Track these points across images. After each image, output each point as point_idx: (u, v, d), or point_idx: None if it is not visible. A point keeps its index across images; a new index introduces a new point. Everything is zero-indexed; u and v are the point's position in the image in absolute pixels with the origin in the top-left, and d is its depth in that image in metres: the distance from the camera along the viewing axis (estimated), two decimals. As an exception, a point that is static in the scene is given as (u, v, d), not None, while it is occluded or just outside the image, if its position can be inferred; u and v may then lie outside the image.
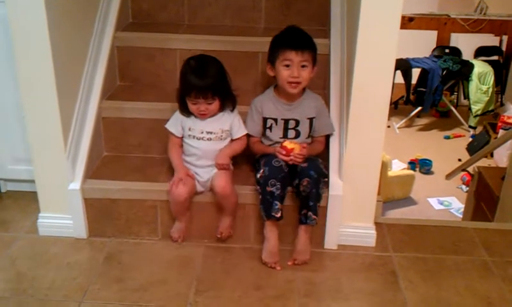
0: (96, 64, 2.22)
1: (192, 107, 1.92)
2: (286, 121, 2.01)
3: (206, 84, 1.86)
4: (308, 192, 1.87)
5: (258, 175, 1.90)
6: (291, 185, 1.96)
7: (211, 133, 1.95)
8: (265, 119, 2.02)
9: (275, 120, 2.02)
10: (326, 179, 1.96)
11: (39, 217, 2.10)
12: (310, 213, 1.89)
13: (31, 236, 2.10)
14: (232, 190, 1.95)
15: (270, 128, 2.03)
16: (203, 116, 1.93)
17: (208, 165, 1.97)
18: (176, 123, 1.98)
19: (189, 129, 1.96)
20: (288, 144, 1.91)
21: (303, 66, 1.92)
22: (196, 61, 1.92)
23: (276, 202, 1.86)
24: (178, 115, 1.98)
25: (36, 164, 2.02)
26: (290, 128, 2.02)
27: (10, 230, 2.14)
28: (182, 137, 2.00)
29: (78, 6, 2.08)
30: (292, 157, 1.89)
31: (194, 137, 1.96)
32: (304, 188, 1.87)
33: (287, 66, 1.92)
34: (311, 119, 2.02)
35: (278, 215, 1.87)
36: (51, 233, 2.08)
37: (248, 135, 2.02)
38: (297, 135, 2.02)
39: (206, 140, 1.96)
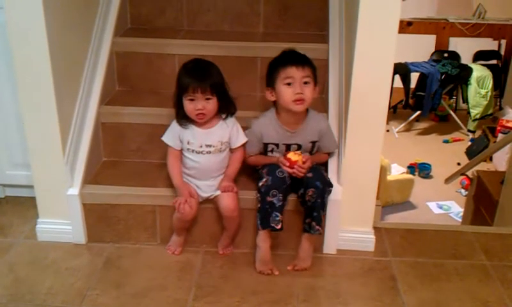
0: (95, 70, 2.22)
1: (189, 107, 1.85)
2: (288, 146, 1.98)
3: (204, 78, 1.82)
4: (313, 202, 1.85)
5: (260, 183, 1.87)
6: (296, 194, 1.94)
7: (210, 146, 1.91)
8: (265, 144, 1.99)
9: (276, 145, 1.98)
10: (331, 188, 1.93)
11: (38, 222, 2.10)
12: (313, 223, 1.87)
13: (30, 241, 2.10)
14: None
15: (271, 151, 2.00)
16: (200, 117, 1.86)
17: (209, 177, 1.95)
18: (174, 136, 1.93)
19: (188, 143, 1.91)
20: (292, 155, 1.90)
21: (305, 83, 1.87)
22: (193, 62, 1.89)
23: (277, 213, 1.84)
24: (175, 126, 1.93)
25: (35, 169, 2.01)
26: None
27: (9, 236, 2.14)
28: (182, 149, 1.96)
29: (76, 11, 2.08)
30: (295, 170, 1.88)
31: (193, 151, 1.92)
32: (309, 198, 1.85)
33: (289, 84, 1.86)
34: (313, 142, 2.00)
35: (279, 226, 1.85)
36: (50, 239, 2.08)
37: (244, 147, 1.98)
38: None
39: (205, 153, 1.92)
